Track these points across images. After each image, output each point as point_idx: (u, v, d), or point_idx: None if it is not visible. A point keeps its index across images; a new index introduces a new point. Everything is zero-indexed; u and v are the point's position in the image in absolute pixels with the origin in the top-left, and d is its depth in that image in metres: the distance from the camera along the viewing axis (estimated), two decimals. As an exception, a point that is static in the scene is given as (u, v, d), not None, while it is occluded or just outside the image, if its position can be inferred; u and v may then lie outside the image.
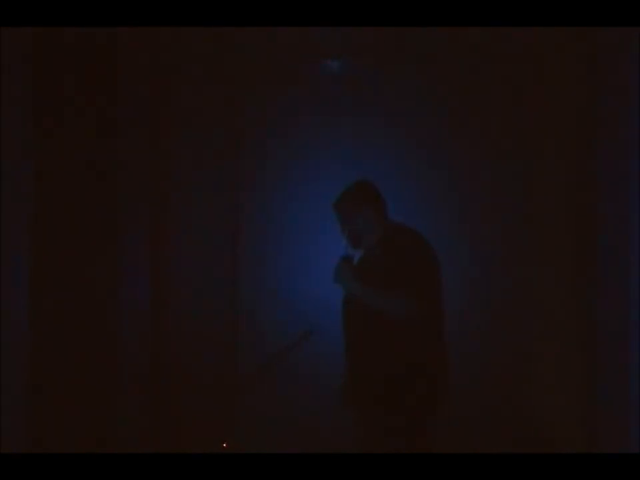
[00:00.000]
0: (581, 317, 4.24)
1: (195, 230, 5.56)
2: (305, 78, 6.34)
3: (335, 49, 5.71)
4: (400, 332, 3.26)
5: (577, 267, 4.42)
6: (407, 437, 3.26)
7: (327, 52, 5.83)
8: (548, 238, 5.36)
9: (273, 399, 6.30)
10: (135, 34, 4.24)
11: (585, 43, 3.99)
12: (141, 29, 4.14)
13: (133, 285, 4.43)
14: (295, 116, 6.87)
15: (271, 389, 6.49)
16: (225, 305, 6.26)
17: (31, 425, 3.34)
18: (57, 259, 3.64)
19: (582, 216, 4.13)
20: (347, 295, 3.44)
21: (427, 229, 3.69)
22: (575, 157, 4.40)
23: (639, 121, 3.24)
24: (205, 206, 5.81)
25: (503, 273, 6.38)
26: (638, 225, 3.27)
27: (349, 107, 6.66)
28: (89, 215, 3.96)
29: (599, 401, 3.80)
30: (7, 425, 3.16)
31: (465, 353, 6.38)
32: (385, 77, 6.28)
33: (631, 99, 3.27)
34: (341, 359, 3.46)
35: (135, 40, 4.31)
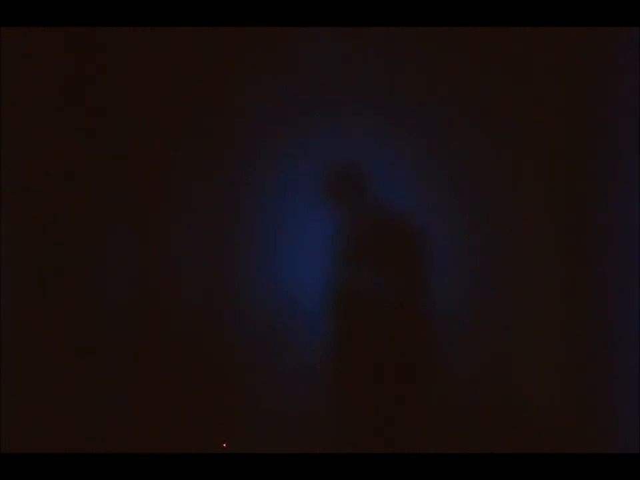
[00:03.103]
0: (573, 316, 4.25)
1: (180, 223, 5.55)
2: (298, 71, 6.30)
3: (329, 42, 5.63)
4: (386, 321, 3.27)
5: (569, 265, 4.43)
6: (390, 429, 3.26)
7: (321, 45, 5.74)
8: (541, 234, 5.35)
9: (261, 388, 6.29)
10: (125, 33, 4.23)
11: (581, 42, 4.00)
12: (131, 29, 4.14)
13: (120, 279, 4.41)
14: (285, 110, 6.83)
15: (258, 377, 6.47)
16: (211, 296, 6.23)
17: (14, 425, 3.33)
18: (39, 262, 3.62)
19: (575, 213, 4.14)
20: (332, 279, 3.44)
21: (417, 221, 3.70)
22: (569, 154, 4.41)
23: (638, 122, 3.25)
24: (190, 199, 5.79)
25: (493, 270, 6.36)
26: (630, 223, 3.28)
27: (341, 101, 6.63)
28: (76, 209, 3.94)
29: (591, 401, 3.81)
30: None
31: (456, 351, 6.36)
32: (377, 70, 6.24)
33: (628, 98, 3.28)
34: (326, 345, 3.46)
35: (125, 38, 4.30)
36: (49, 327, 3.68)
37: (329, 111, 7.16)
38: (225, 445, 5.03)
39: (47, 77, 3.67)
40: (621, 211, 3.32)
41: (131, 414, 4.53)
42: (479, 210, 6.81)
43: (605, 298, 3.54)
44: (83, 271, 4.05)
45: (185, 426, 5.23)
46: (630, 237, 3.28)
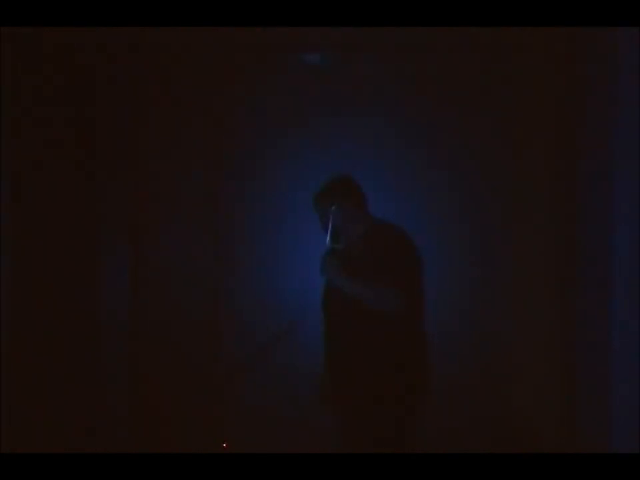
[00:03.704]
0: (563, 316, 4.28)
1: (178, 224, 5.57)
2: (294, 71, 6.32)
3: (319, 42, 5.67)
4: (382, 326, 3.26)
5: (558, 266, 4.45)
6: (389, 433, 3.26)
7: (313, 45, 5.78)
8: (532, 237, 5.37)
9: (258, 391, 6.32)
10: (117, 34, 4.24)
11: (571, 42, 4.03)
12: (123, 30, 4.14)
13: (116, 280, 4.42)
14: (281, 113, 6.84)
15: (256, 380, 6.49)
16: (209, 300, 6.26)
17: (14, 425, 3.33)
18: (37, 265, 3.61)
19: (564, 217, 4.17)
20: (328, 289, 3.42)
21: (411, 223, 3.72)
22: (558, 154, 4.44)
23: (638, 122, 3.25)
24: (188, 200, 5.82)
25: (491, 271, 6.36)
26: (620, 221, 3.29)
27: (335, 103, 6.66)
28: (71, 212, 3.94)
29: (580, 402, 3.83)
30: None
31: (456, 353, 6.36)
32: (368, 71, 6.28)
33: (628, 98, 3.29)
34: (321, 353, 3.46)
35: (115, 40, 4.30)
36: (49, 328, 3.69)
37: (329, 112, 7.14)
38: (225, 444, 5.05)
39: (47, 76, 3.67)
40: (622, 211, 3.33)
41: (131, 414, 4.54)
42: (477, 211, 6.79)
43: (605, 298, 3.55)
44: (83, 273, 4.06)
45: (185, 426, 5.24)
46: (630, 236, 3.28)
